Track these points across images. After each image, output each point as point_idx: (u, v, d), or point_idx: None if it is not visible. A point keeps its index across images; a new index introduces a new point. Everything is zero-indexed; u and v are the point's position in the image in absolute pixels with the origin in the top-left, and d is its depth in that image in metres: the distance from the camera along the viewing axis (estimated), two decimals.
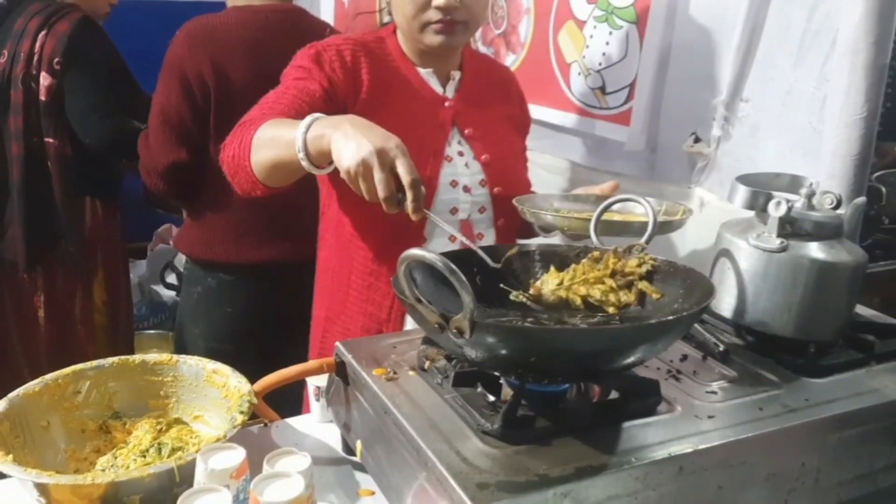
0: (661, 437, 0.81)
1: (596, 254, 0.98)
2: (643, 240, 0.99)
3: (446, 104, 1.33)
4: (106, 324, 2.21)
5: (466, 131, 1.34)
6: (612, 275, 0.95)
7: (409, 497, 0.81)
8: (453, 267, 0.72)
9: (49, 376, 1.01)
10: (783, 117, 1.35)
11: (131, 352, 2.14)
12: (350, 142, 0.92)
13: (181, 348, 1.83)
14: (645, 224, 1.01)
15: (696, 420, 0.85)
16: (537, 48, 1.84)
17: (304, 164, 1.01)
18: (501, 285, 0.99)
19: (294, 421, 1.13)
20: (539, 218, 1.24)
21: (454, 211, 1.30)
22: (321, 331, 1.39)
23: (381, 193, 0.91)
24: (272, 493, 0.68)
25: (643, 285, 0.94)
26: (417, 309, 0.79)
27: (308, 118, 1.01)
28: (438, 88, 1.34)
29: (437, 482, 0.74)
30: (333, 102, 1.22)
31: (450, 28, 1.25)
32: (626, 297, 0.93)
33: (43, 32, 1.95)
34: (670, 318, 0.80)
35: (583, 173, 1.77)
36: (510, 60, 1.94)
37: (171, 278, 2.80)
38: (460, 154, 1.32)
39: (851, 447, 0.90)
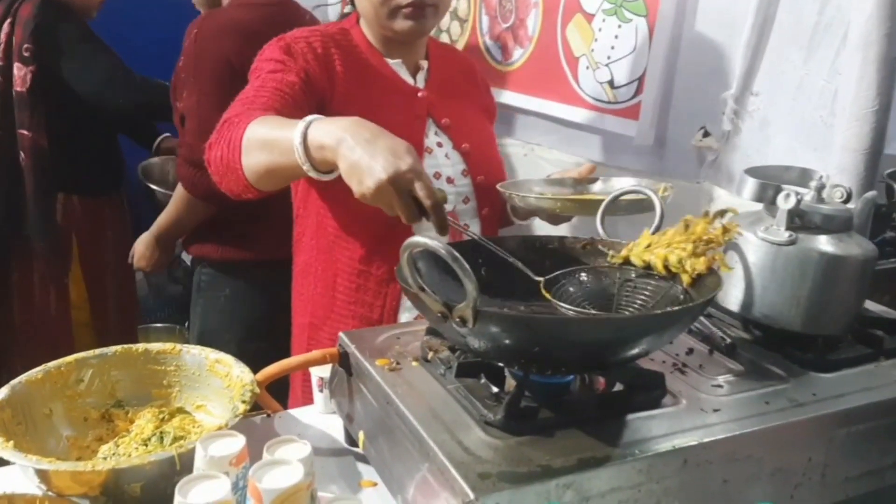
0: (665, 430, 0.80)
1: (689, 217, 0.96)
2: (651, 230, 0.99)
3: (420, 94, 1.31)
4: (88, 320, 2.18)
5: (443, 121, 1.32)
6: (697, 241, 0.92)
7: (412, 488, 0.80)
8: (456, 254, 0.72)
9: (51, 364, 1.01)
10: (793, 111, 1.34)
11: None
12: (360, 167, 0.88)
13: None
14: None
15: (701, 413, 0.84)
16: (545, 42, 1.83)
17: (312, 174, 0.97)
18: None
19: (297, 412, 1.12)
20: (528, 202, 1.24)
21: None
22: (306, 338, 1.35)
23: (404, 220, 0.90)
24: (270, 479, 0.68)
25: (719, 255, 0.91)
26: (421, 298, 0.79)
27: (301, 124, 0.96)
28: (409, 79, 1.32)
29: (439, 472, 0.74)
30: (312, 94, 1.19)
31: (420, 12, 1.22)
32: (698, 264, 0.89)
33: (7, 21, 1.92)
34: (675, 309, 0.79)
35: None
36: (518, 54, 1.93)
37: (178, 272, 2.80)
38: (439, 145, 1.31)
39: (859, 443, 0.88)
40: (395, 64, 1.31)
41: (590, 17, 1.68)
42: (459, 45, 2.12)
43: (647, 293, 0.92)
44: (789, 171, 1.09)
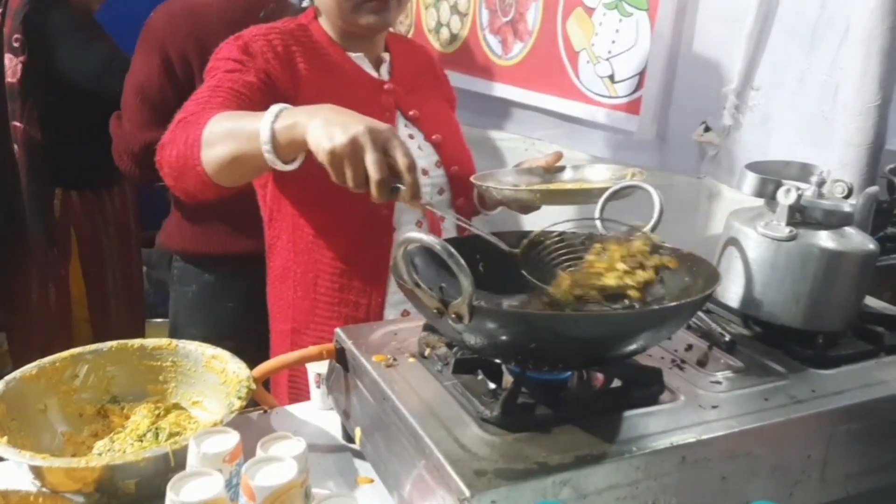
0: (663, 427, 0.79)
1: (598, 246, 0.95)
2: (648, 227, 0.98)
3: (386, 87, 1.30)
4: (88, 316, 2.17)
5: (411, 113, 1.31)
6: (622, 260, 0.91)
7: (408, 484, 0.80)
8: (451, 250, 0.71)
9: (46, 359, 1.00)
10: (795, 106, 1.33)
11: None
12: (334, 125, 0.86)
13: None
14: (603, 189, 1.04)
15: (699, 410, 0.83)
16: (545, 36, 1.82)
17: (269, 156, 0.93)
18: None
19: (294, 408, 1.12)
20: (506, 195, 1.24)
21: None
22: (289, 344, 1.31)
23: (374, 175, 0.84)
24: (264, 476, 0.67)
25: (655, 259, 0.89)
26: (416, 294, 0.78)
27: (275, 107, 0.93)
28: (373, 72, 1.31)
29: (435, 469, 0.73)
30: (272, 94, 1.15)
31: (384, 5, 1.21)
32: (644, 275, 0.88)
33: None
34: (673, 304, 0.78)
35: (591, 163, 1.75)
36: (518, 49, 1.92)
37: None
38: (410, 137, 1.30)
39: (859, 440, 0.88)
40: (358, 58, 1.29)
41: (590, 11, 1.67)
42: (459, 40, 2.12)
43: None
44: (790, 166, 1.08)
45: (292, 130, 0.91)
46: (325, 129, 0.86)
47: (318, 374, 1.09)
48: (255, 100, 1.12)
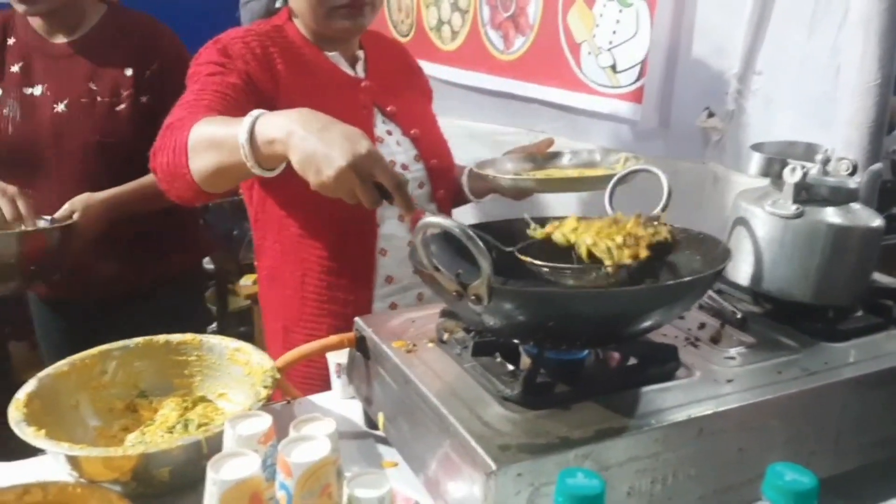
0: (680, 401, 0.81)
1: (619, 215, 0.98)
2: (658, 210, 1.00)
3: (363, 84, 1.32)
4: None
5: (388, 109, 1.33)
6: (627, 236, 0.94)
7: (433, 464, 0.82)
8: (471, 233, 0.73)
9: (76, 356, 1.03)
10: (797, 88, 1.35)
11: None
12: (316, 156, 0.86)
13: None
14: (603, 177, 1.06)
15: (714, 384, 0.85)
16: (546, 29, 1.84)
17: (255, 170, 0.94)
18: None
19: (316, 398, 1.14)
20: (507, 183, 1.29)
21: None
22: (280, 343, 1.31)
23: (366, 203, 0.87)
24: (299, 454, 0.70)
25: (644, 252, 0.92)
26: (436, 278, 0.80)
27: (247, 119, 0.93)
28: (349, 70, 1.32)
29: (461, 447, 0.75)
30: (254, 94, 1.16)
31: (358, 10, 1.23)
32: (623, 256, 0.91)
33: None
34: (687, 279, 0.81)
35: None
36: (519, 43, 1.94)
37: None
38: (389, 133, 1.32)
39: (872, 410, 0.90)
40: (334, 56, 1.30)
41: (591, 3, 1.69)
42: (461, 36, 2.14)
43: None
44: (794, 147, 1.10)
45: (271, 147, 0.91)
46: (307, 160, 0.87)
47: (339, 364, 1.12)
48: (240, 100, 1.13)
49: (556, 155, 1.41)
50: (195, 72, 1.19)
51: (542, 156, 1.39)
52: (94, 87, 1.53)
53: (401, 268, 1.29)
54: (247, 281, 2.28)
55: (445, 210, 1.37)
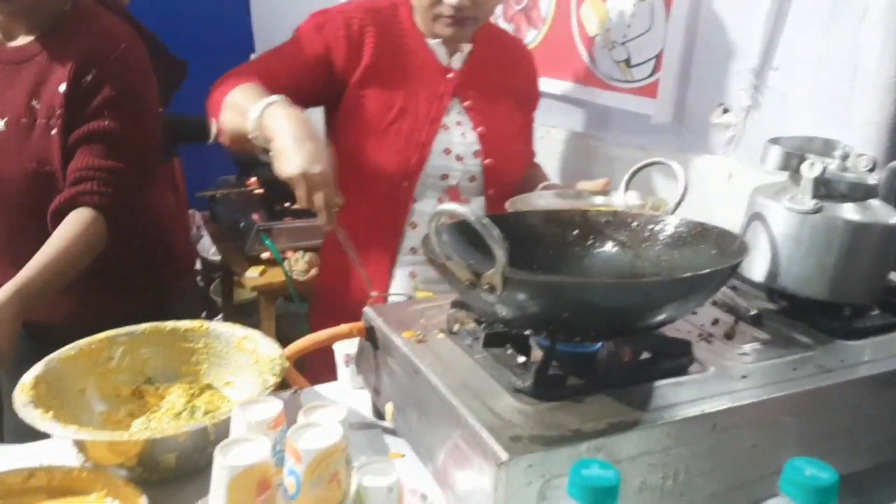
0: (693, 396, 0.80)
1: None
2: (673, 204, 0.99)
3: (449, 75, 1.37)
4: None
5: (466, 102, 1.38)
6: None
7: (442, 455, 0.81)
8: (485, 221, 0.72)
9: (83, 341, 1.02)
10: (814, 85, 1.33)
11: None
12: (285, 154, 1.08)
13: None
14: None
15: (728, 380, 0.84)
16: (559, 23, 1.83)
17: (253, 138, 1.14)
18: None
19: (323, 388, 1.14)
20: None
21: (444, 177, 1.36)
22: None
23: (298, 205, 1.10)
24: (309, 440, 0.69)
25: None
26: (449, 266, 0.79)
27: (257, 109, 1.12)
28: (444, 59, 1.38)
29: (471, 437, 0.74)
30: (324, 70, 1.31)
31: (460, 23, 1.31)
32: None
33: None
34: (704, 271, 0.79)
35: (608, 149, 1.76)
36: (531, 36, 1.93)
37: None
38: (458, 124, 1.37)
39: (887, 409, 0.89)
40: (435, 43, 1.37)
41: None
42: None
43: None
44: (812, 142, 1.08)
45: (265, 130, 1.13)
46: (279, 154, 1.09)
47: (347, 354, 1.11)
48: (302, 78, 1.30)
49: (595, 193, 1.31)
50: (298, 29, 1.35)
51: (579, 193, 1.32)
52: (36, 106, 1.28)
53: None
54: (253, 273, 2.27)
55: (494, 209, 1.39)
